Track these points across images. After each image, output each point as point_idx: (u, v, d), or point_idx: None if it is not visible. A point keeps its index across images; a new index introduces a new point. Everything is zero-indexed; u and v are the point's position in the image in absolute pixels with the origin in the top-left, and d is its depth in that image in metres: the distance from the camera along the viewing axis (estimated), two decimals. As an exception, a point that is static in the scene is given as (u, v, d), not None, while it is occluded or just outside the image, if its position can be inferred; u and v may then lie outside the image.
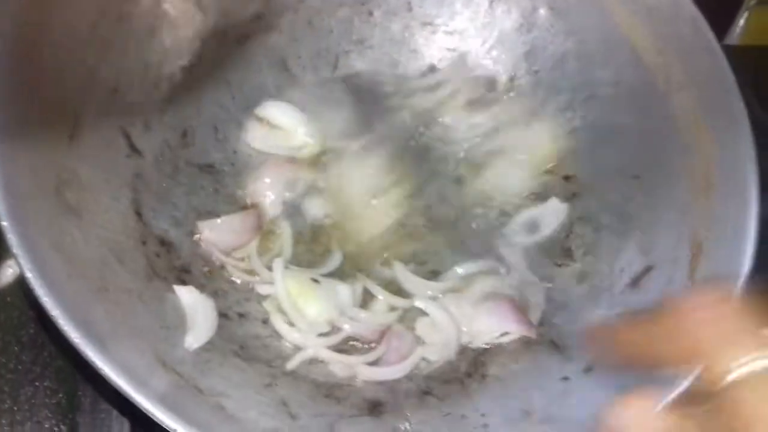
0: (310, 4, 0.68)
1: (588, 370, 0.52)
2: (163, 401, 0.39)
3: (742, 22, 0.86)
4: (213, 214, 0.61)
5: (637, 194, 0.61)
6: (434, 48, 0.71)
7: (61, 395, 0.57)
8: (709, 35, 0.59)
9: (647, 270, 0.56)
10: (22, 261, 0.40)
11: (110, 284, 0.48)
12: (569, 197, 0.65)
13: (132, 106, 0.58)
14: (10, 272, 0.61)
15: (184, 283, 0.55)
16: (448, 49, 0.71)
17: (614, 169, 0.64)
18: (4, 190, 0.42)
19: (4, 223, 0.40)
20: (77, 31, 0.53)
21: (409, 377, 0.56)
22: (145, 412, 0.39)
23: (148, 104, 0.59)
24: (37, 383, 0.57)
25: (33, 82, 0.48)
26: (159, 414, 0.38)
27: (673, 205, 0.58)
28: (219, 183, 0.63)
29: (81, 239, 0.48)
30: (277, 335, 0.56)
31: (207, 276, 0.58)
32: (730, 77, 0.57)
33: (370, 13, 0.70)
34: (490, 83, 0.70)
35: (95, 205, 0.51)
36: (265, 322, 0.57)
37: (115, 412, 0.56)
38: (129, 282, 0.50)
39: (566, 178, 0.66)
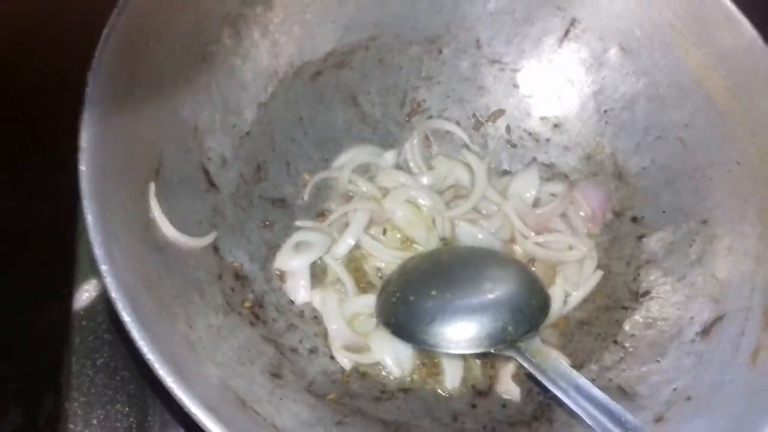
0: (382, 41, 0.69)
1: (659, 419, 0.52)
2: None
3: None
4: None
5: (707, 240, 0.61)
6: (501, 85, 0.72)
7: (132, 419, 0.59)
8: (786, 83, 0.59)
9: (718, 319, 0.56)
10: (120, 305, 0.41)
11: (193, 321, 0.49)
12: (636, 239, 0.65)
13: (211, 143, 0.60)
14: (85, 296, 0.63)
15: (257, 317, 0.57)
16: (515, 86, 0.72)
17: (683, 213, 0.63)
18: (100, 235, 0.43)
19: (103, 267, 0.42)
20: (164, 71, 0.55)
21: (475, 418, 0.56)
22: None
23: (225, 141, 0.61)
24: (108, 407, 0.59)
25: (124, 121, 0.50)
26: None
27: (745, 253, 0.57)
28: (290, 217, 0.64)
29: (166, 276, 0.49)
30: (344, 371, 0.58)
31: (279, 311, 0.59)
32: (804, 125, 0.57)
33: (440, 51, 0.70)
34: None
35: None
36: (332, 358, 0.58)
37: (182, 439, 0.58)
38: (210, 317, 0.52)
39: (634, 219, 0.66)
